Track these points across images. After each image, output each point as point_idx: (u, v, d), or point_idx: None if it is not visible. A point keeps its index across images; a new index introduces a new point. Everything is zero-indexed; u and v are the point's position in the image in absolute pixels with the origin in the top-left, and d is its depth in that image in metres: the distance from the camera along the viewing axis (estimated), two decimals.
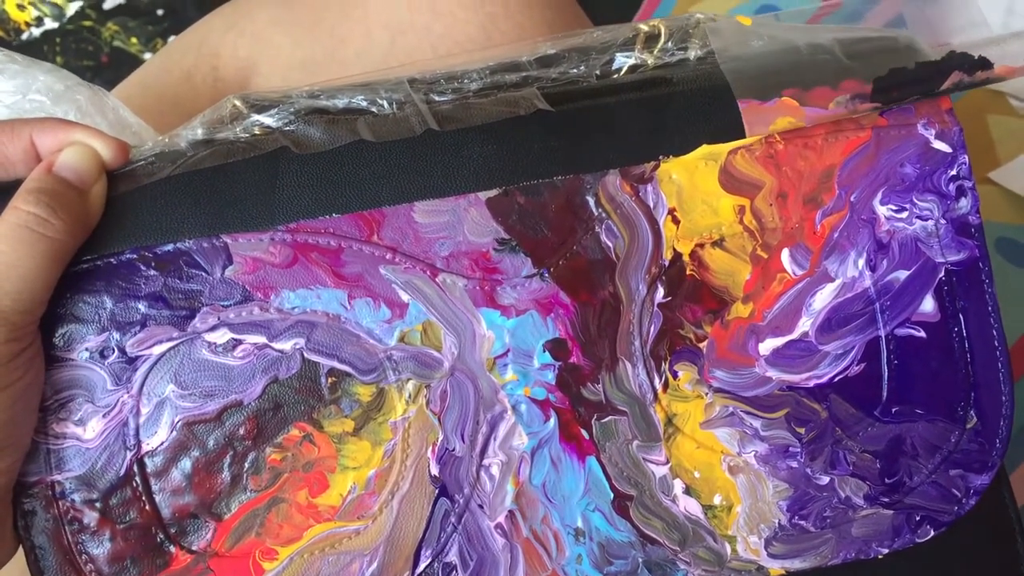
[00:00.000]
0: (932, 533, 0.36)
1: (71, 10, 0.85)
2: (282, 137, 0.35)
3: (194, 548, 0.34)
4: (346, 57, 0.46)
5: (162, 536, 0.34)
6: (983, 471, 0.36)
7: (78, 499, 0.34)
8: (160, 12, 0.85)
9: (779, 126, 0.35)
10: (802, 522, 0.36)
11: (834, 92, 0.37)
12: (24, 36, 0.85)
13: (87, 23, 0.85)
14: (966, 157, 0.37)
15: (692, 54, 0.38)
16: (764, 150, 0.36)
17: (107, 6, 0.85)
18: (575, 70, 0.37)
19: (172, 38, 0.83)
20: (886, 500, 0.36)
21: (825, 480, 0.36)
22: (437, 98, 0.37)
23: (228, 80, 0.47)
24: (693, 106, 0.36)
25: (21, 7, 0.84)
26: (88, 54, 0.85)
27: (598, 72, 0.38)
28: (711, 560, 0.36)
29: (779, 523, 0.36)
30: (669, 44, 0.38)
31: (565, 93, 0.37)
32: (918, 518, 0.36)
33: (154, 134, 0.37)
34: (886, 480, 0.36)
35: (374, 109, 0.36)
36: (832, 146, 0.36)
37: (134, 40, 0.85)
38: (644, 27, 0.38)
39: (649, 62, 0.38)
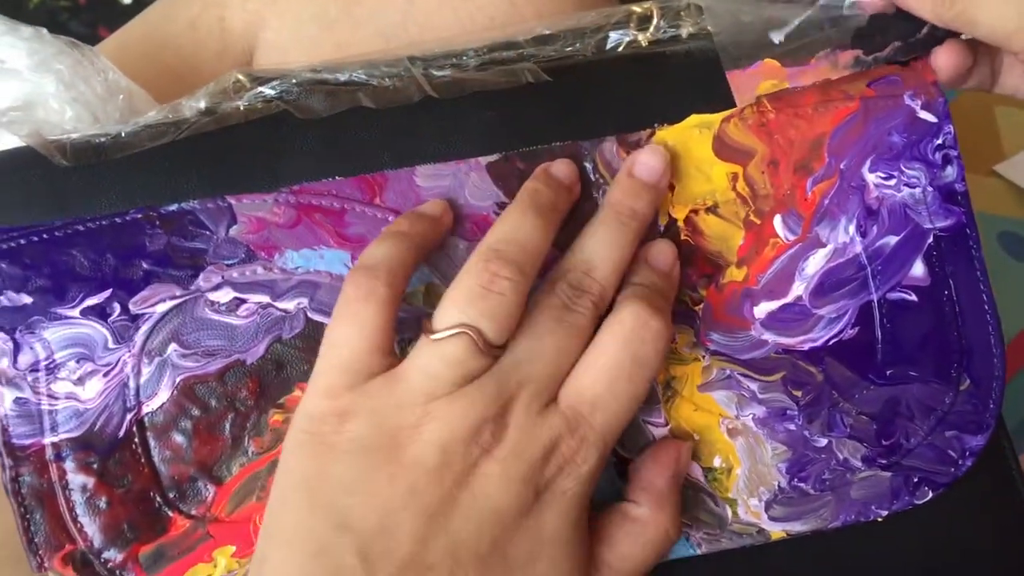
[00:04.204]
0: (930, 495, 0.37)
1: None
2: (283, 104, 0.36)
3: (193, 513, 0.34)
4: (360, 16, 0.45)
5: (160, 501, 0.34)
6: (978, 432, 0.37)
7: (74, 462, 0.33)
8: None
9: (763, 89, 0.37)
10: (802, 484, 0.36)
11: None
12: None
13: None
14: (951, 127, 0.38)
15: (684, 31, 0.39)
16: (756, 119, 0.37)
17: None
18: (570, 48, 0.38)
19: None
20: (884, 462, 0.37)
21: (823, 442, 0.36)
22: (436, 72, 0.37)
23: (235, 32, 0.46)
24: (685, 77, 0.37)
25: None
26: None
27: (593, 49, 0.39)
28: (712, 523, 0.36)
29: (779, 485, 0.36)
30: (662, 23, 0.39)
31: (561, 67, 0.38)
32: (916, 479, 0.37)
33: (145, 95, 0.37)
34: (883, 442, 0.37)
35: (374, 82, 0.37)
36: (822, 115, 0.37)
37: None
38: (637, 9, 0.39)
39: (642, 40, 0.39)
